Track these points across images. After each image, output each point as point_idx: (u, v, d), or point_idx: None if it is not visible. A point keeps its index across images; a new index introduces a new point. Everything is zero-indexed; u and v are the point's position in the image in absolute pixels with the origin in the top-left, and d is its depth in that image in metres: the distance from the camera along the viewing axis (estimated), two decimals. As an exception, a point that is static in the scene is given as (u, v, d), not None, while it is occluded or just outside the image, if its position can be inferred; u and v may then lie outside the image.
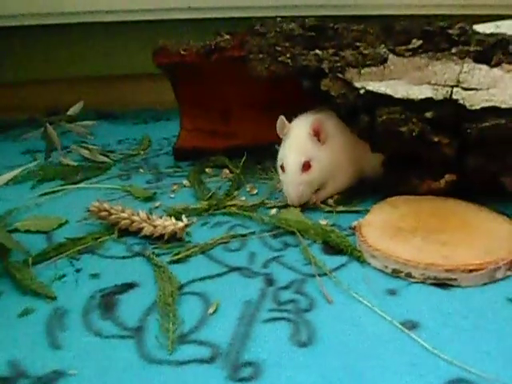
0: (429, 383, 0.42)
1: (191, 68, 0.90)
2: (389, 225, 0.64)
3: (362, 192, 0.78)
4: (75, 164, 0.97)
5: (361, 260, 0.61)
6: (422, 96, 0.69)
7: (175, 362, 0.45)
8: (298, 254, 0.63)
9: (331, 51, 0.76)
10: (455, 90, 0.68)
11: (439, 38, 0.74)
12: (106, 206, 0.70)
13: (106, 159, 1.00)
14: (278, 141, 0.77)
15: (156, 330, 0.49)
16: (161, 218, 0.69)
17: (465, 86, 0.68)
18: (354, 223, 0.68)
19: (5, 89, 1.36)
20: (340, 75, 0.73)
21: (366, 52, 0.74)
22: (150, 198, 0.81)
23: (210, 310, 0.52)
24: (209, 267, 0.61)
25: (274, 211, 0.74)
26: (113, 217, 0.69)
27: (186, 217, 0.69)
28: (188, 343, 0.48)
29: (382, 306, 0.52)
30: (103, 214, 0.70)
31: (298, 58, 0.76)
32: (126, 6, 1.28)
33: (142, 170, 0.96)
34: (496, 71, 0.69)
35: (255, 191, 0.82)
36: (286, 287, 0.56)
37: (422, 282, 0.55)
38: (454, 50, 0.72)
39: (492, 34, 0.73)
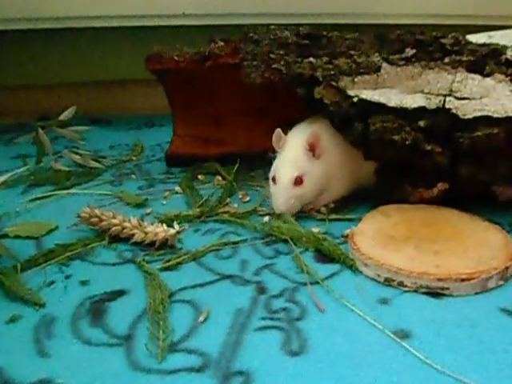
0: (421, 393, 0.41)
1: (185, 74, 0.89)
2: (381, 233, 0.64)
3: (354, 200, 0.77)
4: (66, 169, 0.96)
5: (353, 268, 0.60)
6: (415, 105, 0.69)
7: (165, 370, 0.45)
8: (290, 262, 0.63)
9: (325, 59, 0.76)
10: (448, 99, 0.68)
11: (432, 47, 0.74)
12: (96, 212, 0.69)
13: (97, 165, 1.00)
14: (271, 148, 0.77)
15: (146, 339, 0.49)
16: (152, 224, 0.68)
17: (457, 95, 0.68)
18: (347, 231, 0.67)
19: (-4, 93, 1.36)
20: (334, 83, 0.73)
21: (359, 60, 0.74)
22: (141, 205, 0.81)
23: (201, 318, 0.52)
24: (200, 275, 0.60)
25: (266, 219, 0.74)
26: (104, 223, 0.68)
27: (178, 224, 0.69)
28: (178, 352, 0.47)
29: (374, 314, 0.51)
30: (94, 220, 0.69)
31: (291, 66, 0.76)
32: (120, 11, 1.27)
33: (134, 176, 0.95)
34: (488, 81, 0.70)
35: (247, 198, 0.82)
36: (277, 295, 0.56)
37: (415, 291, 0.55)
38: (447, 60, 0.72)
39: (485, 44, 0.73)
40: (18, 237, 0.70)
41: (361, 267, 0.60)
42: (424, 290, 0.55)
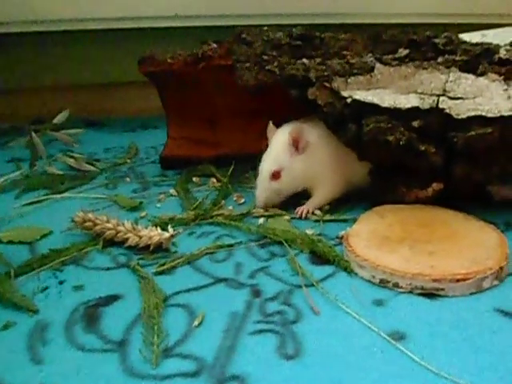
0: (416, 396, 0.41)
1: (178, 76, 0.89)
2: (376, 234, 0.64)
3: (349, 201, 0.77)
4: (60, 173, 0.96)
5: (348, 270, 0.60)
6: (409, 105, 0.69)
7: (160, 376, 0.44)
8: (285, 264, 0.63)
9: (318, 60, 0.76)
10: (441, 99, 0.68)
11: (425, 47, 0.74)
12: (90, 216, 0.69)
13: (91, 168, 0.99)
14: (266, 149, 0.77)
15: (140, 344, 0.49)
16: (146, 228, 0.68)
17: (451, 95, 0.68)
18: (342, 233, 0.67)
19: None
20: (327, 84, 0.73)
21: (352, 61, 0.74)
22: (136, 208, 0.80)
23: (196, 323, 0.51)
24: (195, 278, 0.60)
25: (261, 221, 0.74)
26: (98, 227, 0.68)
27: (172, 227, 0.68)
28: (173, 357, 0.47)
29: (370, 316, 0.51)
30: (88, 224, 0.69)
31: (285, 67, 0.76)
32: (113, 13, 1.27)
33: (128, 179, 0.95)
34: (482, 80, 0.69)
35: (242, 200, 0.82)
36: (272, 298, 0.56)
37: (410, 292, 0.55)
38: (440, 60, 0.72)
39: (478, 44, 0.73)
40: (11, 242, 0.69)
41: (356, 269, 0.60)
42: (419, 291, 0.55)
